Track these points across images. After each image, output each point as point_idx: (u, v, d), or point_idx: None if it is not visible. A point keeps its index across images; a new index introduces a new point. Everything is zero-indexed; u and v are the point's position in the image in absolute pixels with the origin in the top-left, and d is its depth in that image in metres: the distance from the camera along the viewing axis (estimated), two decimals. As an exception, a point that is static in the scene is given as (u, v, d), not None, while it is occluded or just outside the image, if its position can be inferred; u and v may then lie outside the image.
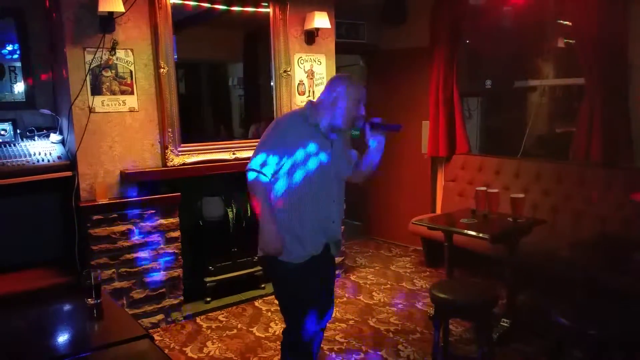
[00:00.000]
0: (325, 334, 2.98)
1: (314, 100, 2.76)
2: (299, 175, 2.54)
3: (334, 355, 3.59)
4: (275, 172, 2.53)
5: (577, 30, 4.36)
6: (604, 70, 4.16)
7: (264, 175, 2.50)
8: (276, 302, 2.84)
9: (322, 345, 3.01)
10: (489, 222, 3.69)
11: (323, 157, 2.60)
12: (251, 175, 2.52)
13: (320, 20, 4.58)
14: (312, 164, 2.56)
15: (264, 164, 2.50)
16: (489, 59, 4.98)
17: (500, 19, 4.92)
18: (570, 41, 4.86)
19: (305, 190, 2.56)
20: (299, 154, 2.53)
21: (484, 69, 5.01)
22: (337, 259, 5.01)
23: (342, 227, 3.14)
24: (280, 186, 2.56)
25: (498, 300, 3.22)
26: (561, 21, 4.94)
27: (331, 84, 2.66)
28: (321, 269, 2.72)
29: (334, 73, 4.95)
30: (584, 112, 4.32)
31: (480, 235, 3.44)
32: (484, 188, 3.93)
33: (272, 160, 2.50)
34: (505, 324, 3.71)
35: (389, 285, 4.86)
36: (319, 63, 4.83)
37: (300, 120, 2.61)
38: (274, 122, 2.66)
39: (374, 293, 4.68)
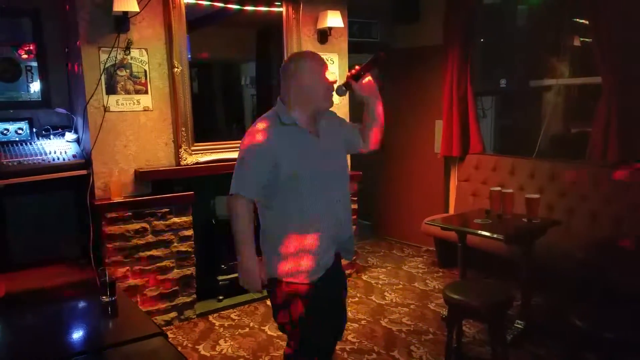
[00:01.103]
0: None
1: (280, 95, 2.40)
2: (292, 186, 2.25)
3: (345, 355, 3.58)
4: (263, 191, 2.27)
5: (594, 28, 4.30)
6: (622, 69, 4.11)
7: (246, 199, 2.24)
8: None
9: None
10: (503, 223, 3.66)
11: (313, 155, 2.30)
12: (231, 201, 2.24)
13: (333, 19, 4.57)
14: (303, 167, 2.26)
15: (244, 186, 2.23)
16: (503, 57, 4.94)
17: (515, 17, 4.89)
18: (587, 40, 4.81)
19: (304, 199, 2.27)
20: (285, 163, 2.23)
21: (499, 67, 4.97)
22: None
23: (354, 226, 2.90)
24: (276, 204, 2.30)
25: (512, 301, 3.20)
26: (577, 19, 4.89)
27: (289, 71, 2.31)
28: (334, 283, 2.47)
29: (346, 72, 4.94)
30: (601, 112, 4.26)
31: (495, 235, 3.41)
32: (498, 188, 3.89)
33: (254, 178, 2.23)
34: (520, 326, 3.67)
35: (401, 286, 4.84)
36: (332, 62, 4.82)
37: (274, 124, 2.27)
38: (246, 135, 2.29)
39: (386, 293, 4.66)
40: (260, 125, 2.28)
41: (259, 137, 2.23)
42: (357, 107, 2.62)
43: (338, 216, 2.38)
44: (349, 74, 2.38)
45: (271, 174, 2.24)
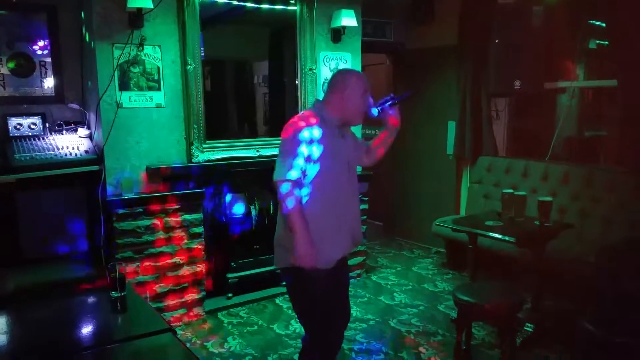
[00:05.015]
0: (345, 334, 2.97)
1: (322, 99, 2.72)
2: (327, 177, 2.50)
3: (354, 355, 3.57)
4: (304, 178, 2.47)
5: (611, 31, 4.25)
6: (638, 72, 4.05)
7: (296, 183, 2.44)
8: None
9: (342, 345, 3.00)
10: (515, 225, 3.63)
11: (342, 153, 2.60)
12: (285, 187, 2.41)
13: (347, 18, 4.56)
14: (335, 162, 2.55)
15: (294, 173, 2.42)
16: (518, 58, 4.89)
17: (530, 18, 4.84)
18: (602, 42, 4.75)
19: (334, 190, 2.54)
20: (324, 156, 2.48)
21: (513, 69, 4.93)
22: (359, 259, 5.00)
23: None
24: (311, 192, 2.50)
25: (522, 304, 3.17)
26: (593, 22, 4.84)
27: (338, 81, 2.62)
28: (342, 271, 2.75)
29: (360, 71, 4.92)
30: (617, 115, 4.22)
31: (507, 238, 3.38)
32: (510, 191, 3.86)
33: (300, 167, 2.44)
34: (529, 329, 3.64)
35: (410, 287, 4.82)
36: (345, 61, 4.81)
37: (318, 121, 2.53)
38: (293, 128, 2.51)
39: (395, 294, 4.64)
40: (306, 120, 2.51)
41: (304, 129, 2.46)
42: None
43: (355, 209, 2.70)
44: (382, 107, 2.71)
45: (310, 163, 2.45)
